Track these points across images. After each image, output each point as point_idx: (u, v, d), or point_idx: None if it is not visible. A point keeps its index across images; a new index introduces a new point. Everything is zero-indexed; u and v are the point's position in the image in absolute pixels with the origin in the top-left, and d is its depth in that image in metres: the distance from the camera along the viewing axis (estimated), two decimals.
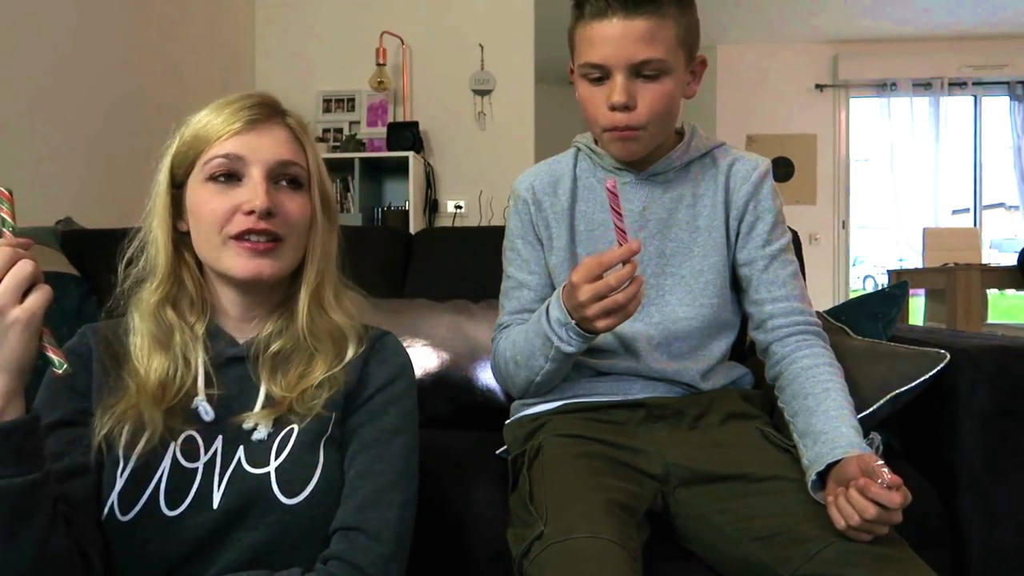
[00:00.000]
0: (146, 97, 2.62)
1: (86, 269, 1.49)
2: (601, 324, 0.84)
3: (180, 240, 0.79)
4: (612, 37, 0.89)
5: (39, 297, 0.60)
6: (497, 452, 1.11)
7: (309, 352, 0.79)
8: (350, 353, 0.80)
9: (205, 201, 0.75)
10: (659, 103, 0.92)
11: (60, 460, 0.69)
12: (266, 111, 0.78)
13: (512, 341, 1.00)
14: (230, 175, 0.75)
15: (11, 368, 0.59)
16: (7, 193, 0.64)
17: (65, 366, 0.62)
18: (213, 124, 0.76)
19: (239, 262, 0.75)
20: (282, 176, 0.77)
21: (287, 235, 0.77)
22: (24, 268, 0.59)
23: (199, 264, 0.81)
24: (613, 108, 0.92)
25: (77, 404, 0.74)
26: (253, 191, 0.74)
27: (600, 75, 0.92)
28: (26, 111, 2.08)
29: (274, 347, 0.79)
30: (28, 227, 1.59)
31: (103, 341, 0.78)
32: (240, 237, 0.75)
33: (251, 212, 0.74)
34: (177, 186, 0.78)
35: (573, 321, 0.87)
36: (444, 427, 1.34)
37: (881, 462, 0.73)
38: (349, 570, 0.71)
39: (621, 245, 0.80)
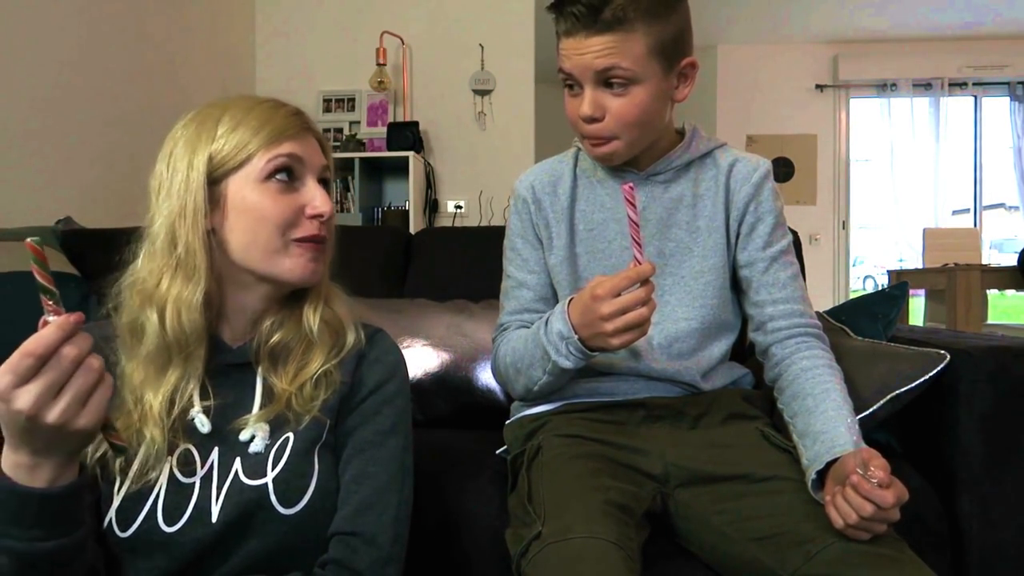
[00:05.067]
0: (146, 97, 2.62)
1: (86, 269, 1.49)
2: (617, 340, 0.83)
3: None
4: (577, 52, 0.90)
5: (102, 397, 0.57)
6: (497, 452, 1.11)
7: (308, 341, 0.79)
8: (350, 341, 0.81)
9: (266, 202, 0.74)
10: (627, 114, 0.92)
11: None
12: (305, 119, 0.79)
13: (512, 347, 0.99)
14: (293, 177, 0.76)
15: (72, 455, 0.60)
16: (36, 247, 0.53)
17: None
18: (273, 124, 0.75)
19: (300, 264, 0.75)
20: (323, 181, 0.80)
21: (329, 237, 0.79)
22: (89, 376, 0.55)
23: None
24: (583, 119, 0.94)
25: None
26: (314, 195, 0.76)
27: (574, 85, 0.94)
28: (27, 112, 2.08)
29: (275, 338, 0.78)
30: (28, 227, 1.59)
31: (96, 348, 0.76)
32: (303, 241, 0.75)
33: (315, 216, 0.76)
34: (212, 183, 0.74)
35: (576, 336, 0.87)
36: (444, 427, 1.35)
37: (876, 456, 0.73)
38: (347, 574, 0.71)
39: (637, 257, 0.80)
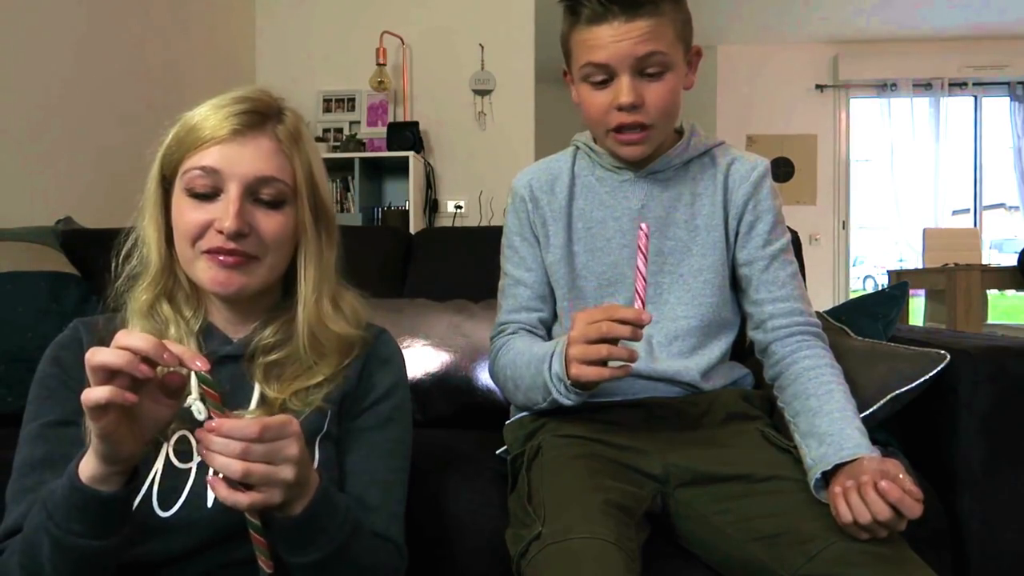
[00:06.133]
0: (146, 97, 2.62)
1: (86, 269, 1.48)
2: (574, 369, 0.81)
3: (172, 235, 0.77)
4: (614, 39, 0.89)
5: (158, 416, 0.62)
6: (497, 452, 1.11)
7: (309, 364, 0.78)
8: (355, 353, 0.81)
9: (182, 212, 0.73)
10: (665, 99, 0.93)
11: (67, 461, 0.67)
12: (256, 119, 0.73)
13: (512, 360, 0.98)
14: (206, 191, 0.72)
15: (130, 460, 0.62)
16: (214, 394, 0.62)
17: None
18: (198, 130, 0.72)
19: (209, 275, 0.73)
20: (260, 193, 0.73)
21: (261, 254, 0.74)
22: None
23: None
24: (621, 109, 0.92)
25: (75, 403, 0.71)
26: (226, 209, 0.71)
27: (604, 77, 0.92)
28: (29, 112, 2.08)
29: (273, 356, 0.77)
30: (28, 227, 1.59)
31: (96, 335, 0.76)
32: (211, 252, 0.72)
33: (220, 231, 0.71)
34: (168, 184, 0.76)
35: (569, 380, 0.85)
36: (444, 427, 1.34)
37: (903, 474, 0.73)
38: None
39: (639, 294, 0.78)
